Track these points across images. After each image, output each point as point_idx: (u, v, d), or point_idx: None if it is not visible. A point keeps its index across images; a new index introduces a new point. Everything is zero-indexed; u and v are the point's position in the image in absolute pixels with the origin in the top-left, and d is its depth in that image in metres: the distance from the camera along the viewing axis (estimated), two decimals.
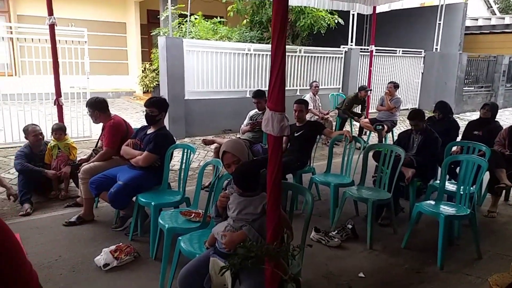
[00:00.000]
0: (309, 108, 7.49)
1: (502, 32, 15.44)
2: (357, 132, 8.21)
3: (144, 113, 3.84)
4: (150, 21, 13.24)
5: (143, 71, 11.95)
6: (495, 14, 18.05)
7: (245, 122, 5.26)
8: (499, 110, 5.44)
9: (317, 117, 7.49)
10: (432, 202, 3.61)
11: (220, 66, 7.62)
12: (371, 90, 8.07)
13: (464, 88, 12.17)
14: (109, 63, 12.89)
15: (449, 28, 11.61)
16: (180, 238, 2.66)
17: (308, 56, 9.05)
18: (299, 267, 2.39)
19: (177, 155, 4.54)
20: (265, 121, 1.81)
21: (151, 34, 10.94)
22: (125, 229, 3.75)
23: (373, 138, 7.89)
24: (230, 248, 2.05)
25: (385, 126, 7.23)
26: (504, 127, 4.89)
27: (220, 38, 9.09)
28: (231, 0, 9.33)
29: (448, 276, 3.16)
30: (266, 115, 1.80)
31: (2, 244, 0.62)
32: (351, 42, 9.90)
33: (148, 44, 13.18)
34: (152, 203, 3.32)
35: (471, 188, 3.55)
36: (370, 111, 8.72)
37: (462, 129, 5.47)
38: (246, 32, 9.22)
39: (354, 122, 8.40)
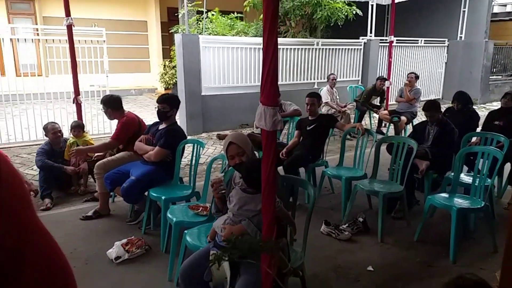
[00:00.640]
0: (326, 101, 7.49)
1: None
2: (376, 124, 8.08)
3: (156, 109, 3.90)
4: (170, 19, 13.40)
5: (163, 69, 12.13)
6: None
7: None
8: None
9: (334, 110, 7.41)
10: (446, 195, 3.54)
11: (236, 61, 7.64)
12: (387, 80, 7.88)
13: (490, 77, 11.74)
14: (131, 61, 13.15)
15: (474, 16, 11.21)
16: (186, 231, 2.71)
17: (326, 49, 8.95)
18: (301, 261, 2.40)
19: (189, 150, 4.61)
20: (258, 115, 1.81)
21: (170, 31, 11.07)
22: (138, 223, 3.84)
23: (393, 130, 7.74)
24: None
25: (404, 118, 7.07)
26: None
27: (236, 34, 9.09)
28: None
29: (460, 270, 3.08)
30: (258, 110, 1.81)
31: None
32: (370, 33, 9.72)
33: (168, 41, 13.35)
34: (163, 197, 3.39)
35: (488, 180, 3.45)
36: (389, 102, 8.56)
37: (482, 120, 5.30)
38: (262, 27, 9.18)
39: (374, 114, 8.27)
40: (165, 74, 11.89)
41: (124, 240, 3.29)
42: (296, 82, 8.63)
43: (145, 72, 13.59)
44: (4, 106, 6.43)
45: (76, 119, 5.14)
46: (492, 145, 4.03)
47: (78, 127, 4.78)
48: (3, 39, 7.04)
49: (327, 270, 3.07)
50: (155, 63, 13.29)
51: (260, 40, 7.96)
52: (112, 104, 4.19)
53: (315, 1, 8.65)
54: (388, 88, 8.11)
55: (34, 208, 0.63)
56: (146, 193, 3.71)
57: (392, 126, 7.65)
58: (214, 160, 3.48)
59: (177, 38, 7.12)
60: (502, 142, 4.00)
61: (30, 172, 5.27)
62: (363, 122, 8.17)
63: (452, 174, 4.01)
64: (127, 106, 10.23)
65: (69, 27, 5.01)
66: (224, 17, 9.32)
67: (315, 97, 4.55)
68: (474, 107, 5.57)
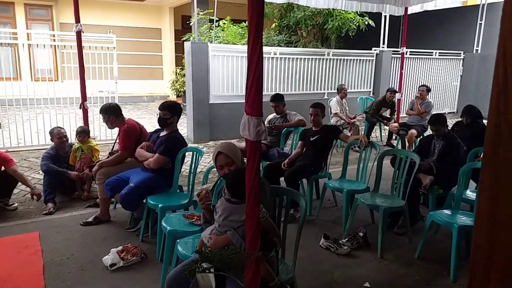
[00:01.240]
0: (336, 112, 7.42)
1: None
2: (387, 137, 7.97)
3: (158, 116, 3.92)
4: (184, 27, 13.55)
5: (175, 76, 12.23)
6: None
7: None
8: None
9: (343, 121, 7.33)
10: (449, 212, 3.43)
11: (245, 70, 7.63)
12: (397, 92, 7.78)
13: None
14: (145, 68, 13.32)
15: (491, 28, 11.01)
16: (178, 241, 2.69)
17: (337, 59, 8.90)
18: (291, 274, 2.34)
19: (190, 158, 4.60)
20: (242, 125, 1.79)
21: (182, 39, 11.18)
22: (137, 230, 3.83)
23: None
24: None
25: (414, 131, 6.94)
26: None
27: (247, 43, 9.11)
28: None
29: None
30: (243, 120, 1.78)
31: None
32: (383, 44, 9.65)
33: (182, 49, 13.46)
34: (159, 205, 3.38)
35: None
36: (401, 115, 8.44)
37: None
38: (274, 36, 9.22)
39: (385, 127, 8.15)
40: (176, 82, 11.98)
41: (120, 247, 3.29)
42: (306, 92, 8.59)
43: (158, 79, 13.74)
44: (20, 110, 6.54)
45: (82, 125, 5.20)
46: None
47: (83, 133, 4.83)
48: (23, 44, 7.23)
49: (322, 285, 3.00)
50: (168, 71, 13.43)
51: (269, 49, 7.99)
52: (114, 112, 4.22)
53: (327, 11, 8.63)
54: (399, 100, 8.01)
55: None
56: (144, 201, 3.70)
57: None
58: (211, 169, 3.45)
59: (187, 46, 7.18)
60: None
61: (36, 176, 5.34)
62: (373, 134, 8.07)
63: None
64: (138, 113, 10.41)
65: (78, 33, 5.10)
66: (235, 25, 9.38)
67: (319, 107, 4.50)
68: (485, 121, 5.43)
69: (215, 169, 3.62)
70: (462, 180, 3.48)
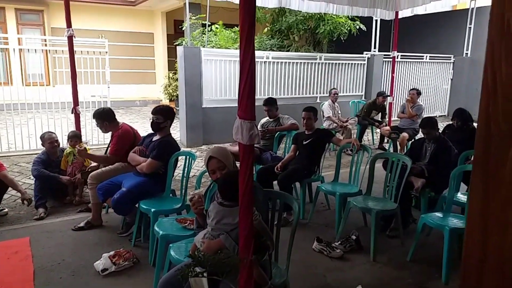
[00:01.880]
0: (329, 115, 7.45)
1: None
2: (379, 140, 8.01)
3: (151, 120, 3.90)
4: (176, 31, 13.53)
5: (167, 80, 12.21)
6: None
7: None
8: None
9: (336, 124, 7.36)
10: (440, 214, 3.46)
11: (237, 74, 7.64)
12: (389, 95, 7.84)
13: None
14: (137, 72, 13.28)
15: (481, 32, 11.15)
16: (170, 245, 2.68)
17: (329, 63, 8.95)
18: (284, 278, 2.34)
19: (182, 162, 4.59)
20: (235, 129, 1.79)
21: (174, 44, 11.18)
22: (129, 235, 3.81)
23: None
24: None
25: (405, 134, 7.00)
26: None
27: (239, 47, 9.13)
28: None
29: None
30: (236, 123, 1.79)
31: None
32: (374, 48, 9.72)
33: (174, 53, 13.45)
34: (152, 210, 3.37)
35: None
36: (392, 118, 8.50)
37: None
38: (266, 40, 9.25)
39: (377, 130, 8.20)
40: (169, 86, 11.96)
41: (112, 252, 3.26)
42: (298, 96, 8.62)
43: (150, 83, 13.71)
44: (12, 114, 6.49)
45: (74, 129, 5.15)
46: None
47: (75, 137, 4.79)
48: (14, 49, 7.17)
49: None
50: (161, 75, 13.40)
51: (261, 53, 8.02)
52: (107, 117, 4.20)
53: (318, 16, 8.69)
54: (390, 103, 8.07)
55: None
56: (137, 205, 3.68)
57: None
58: (203, 174, 3.44)
59: (179, 50, 7.18)
60: None
61: (28, 181, 5.29)
62: (365, 138, 8.11)
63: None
64: (131, 117, 10.36)
65: (70, 38, 5.06)
66: (228, 30, 9.40)
67: (311, 111, 4.52)
68: (475, 124, 5.50)
69: (208, 173, 3.64)
70: (453, 182, 3.51)
